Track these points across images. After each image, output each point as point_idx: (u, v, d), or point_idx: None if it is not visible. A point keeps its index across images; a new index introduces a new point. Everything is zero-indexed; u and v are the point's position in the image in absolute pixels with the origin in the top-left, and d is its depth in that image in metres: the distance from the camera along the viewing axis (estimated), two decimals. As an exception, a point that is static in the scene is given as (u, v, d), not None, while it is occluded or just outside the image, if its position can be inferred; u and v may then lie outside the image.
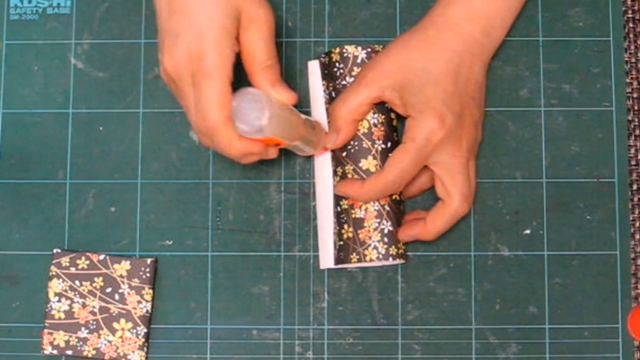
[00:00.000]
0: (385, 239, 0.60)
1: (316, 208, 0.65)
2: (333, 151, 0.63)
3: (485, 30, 0.60)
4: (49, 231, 0.66)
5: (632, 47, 0.67)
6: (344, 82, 0.62)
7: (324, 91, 0.64)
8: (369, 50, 0.62)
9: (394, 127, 0.62)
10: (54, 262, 0.65)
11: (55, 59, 0.67)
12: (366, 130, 0.61)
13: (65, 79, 0.67)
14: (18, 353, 0.65)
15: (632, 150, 0.66)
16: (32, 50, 0.68)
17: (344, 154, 0.62)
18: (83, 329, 0.64)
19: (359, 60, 0.62)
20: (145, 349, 0.64)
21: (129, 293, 0.64)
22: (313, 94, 0.65)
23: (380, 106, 0.61)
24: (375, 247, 0.60)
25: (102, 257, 0.65)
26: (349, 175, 0.61)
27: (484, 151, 0.66)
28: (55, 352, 0.64)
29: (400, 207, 0.62)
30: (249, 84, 0.56)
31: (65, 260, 0.65)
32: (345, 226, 0.62)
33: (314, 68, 0.65)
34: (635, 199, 0.66)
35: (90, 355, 0.64)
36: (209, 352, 0.65)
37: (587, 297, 0.65)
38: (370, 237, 0.60)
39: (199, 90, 0.53)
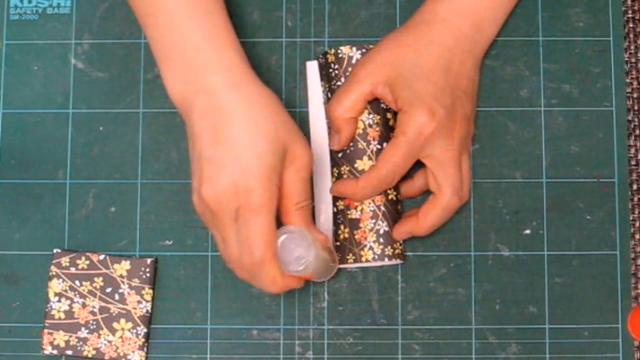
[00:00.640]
0: (381, 240, 0.60)
1: (315, 209, 0.65)
2: (330, 152, 0.63)
3: (476, 26, 0.60)
4: (49, 231, 0.66)
5: (632, 47, 0.67)
6: (339, 83, 0.62)
7: (323, 92, 0.64)
8: (364, 50, 0.62)
9: (391, 127, 0.62)
10: (54, 262, 0.65)
11: (55, 59, 0.67)
12: (361, 131, 0.61)
13: (65, 79, 0.67)
14: (18, 353, 0.65)
15: (632, 150, 0.66)
16: (32, 50, 0.68)
17: (340, 154, 0.62)
18: (83, 329, 0.64)
19: (353, 61, 0.62)
20: (145, 349, 0.64)
21: (129, 293, 0.64)
22: (311, 95, 0.65)
23: (376, 106, 0.61)
24: (371, 248, 0.60)
25: (102, 257, 0.65)
26: (345, 176, 0.61)
27: (484, 151, 0.66)
28: (55, 352, 0.64)
29: (397, 208, 0.62)
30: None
31: (65, 260, 0.65)
32: (342, 227, 0.62)
33: (312, 69, 0.65)
34: (635, 199, 0.66)
35: (90, 355, 0.64)
36: (209, 352, 0.65)
37: (587, 297, 0.65)
38: (365, 238, 0.60)
39: (245, 225, 0.52)
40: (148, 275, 0.64)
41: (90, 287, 0.64)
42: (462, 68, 0.60)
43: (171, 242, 0.66)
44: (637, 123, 0.66)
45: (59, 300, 0.64)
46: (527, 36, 0.67)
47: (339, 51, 0.62)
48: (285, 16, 0.67)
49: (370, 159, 0.61)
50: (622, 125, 0.66)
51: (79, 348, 0.64)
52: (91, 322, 0.64)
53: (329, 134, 0.63)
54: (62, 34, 0.68)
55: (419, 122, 0.58)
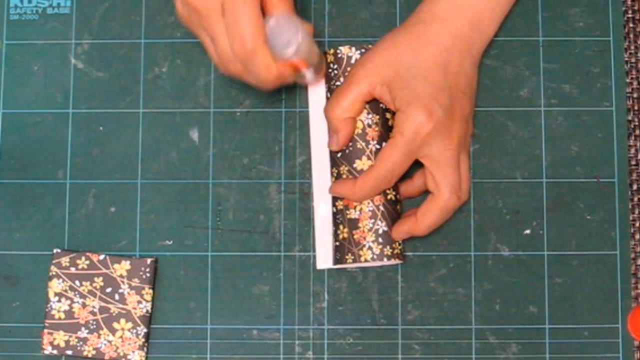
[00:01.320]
0: (380, 240, 0.60)
1: (314, 208, 0.65)
2: (329, 152, 0.63)
3: (474, 25, 0.60)
4: (49, 231, 0.66)
5: (632, 47, 0.67)
6: (337, 83, 0.62)
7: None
8: (363, 50, 0.62)
9: (390, 127, 0.62)
10: (54, 262, 0.65)
11: (55, 59, 0.67)
12: (360, 131, 0.61)
13: (65, 79, 0.67)
14: (18, 353, 0.65)
15: (632, 150, 0.66)
16: (32, 50, 0.68)
17: (339, 154, 0.62)
18: (83, 329, 0.64)
19: (352, 61, 0.62)
20: (145, 349, 0.64)
21: (129, 293, 0.64)
22: (312, 95, 0.65)
23: (375, 106, 0.61)
24: (370, 248, 0.60)
25: (102, 257, 0.65)
26: (344, 176, 0.61)
27: (484, 151, 0.66)
28: (55, 352, 0.64)
29: (396, 208, 0.62)
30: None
31: (65, 260, 0.65)
32: (341, 227, 0.62)
33: None
34: (635, 199, 0.66)
35: (90, 355, 0.64)
36: (209, 352, 0.65)
37: (587, 297, 0.65)
38: (364, 238, 0.60)
39: (233, 16, 0.54)
40: (148, 275, 0.64)
41: (90, 287, 0.64)
42: (460, 68, 0.60)
43: (171, 242, 0.66)
44: (637, 123, 0.66)
45: (59, 300, 0.64)
46: (527, 36, 0.67)
47: (338, 51, 0.62)
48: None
49: (369, 159, 0.61)
50: (622, 125, 0.66)
51: (79, 348, 0.64)
52: (91, 322, 0.64)
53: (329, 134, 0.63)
54: (62, 34, 0.68)
55: (416, 122, 0.58)
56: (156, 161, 0.66)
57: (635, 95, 0.67)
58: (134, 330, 0.64)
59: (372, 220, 0.61)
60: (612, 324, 0.65)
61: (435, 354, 0.64)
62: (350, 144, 0.61)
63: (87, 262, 0.65)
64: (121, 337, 0.64)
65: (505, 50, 0.67)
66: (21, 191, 0.66)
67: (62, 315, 0.64)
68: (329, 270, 0.65)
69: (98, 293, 0.64)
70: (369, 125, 0.61)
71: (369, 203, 0.61)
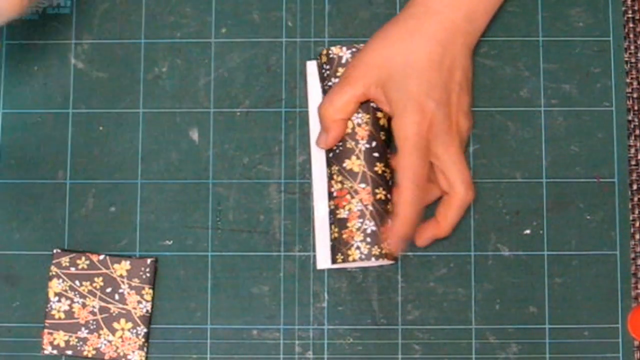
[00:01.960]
0: (368, 239, 0.60)
1: (313, 208, 0.65)
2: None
3: (468, 17, 0.59)
4: (49, 231, 0.66)
5: (632, 47, 0.67)
6: (329, 83, 0.62)
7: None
8: (354, 50, 0.62)
9: (381, 126, 0.62)
10: (54, 262, 0.65)
11: (55, 59, 0.67)
12: (350, 130, 0.61)
13: (65, 79, 0.67)
14: (18, 353, 0.65)
15: (632, 150, 0.66)
16: (32, 50, 0.68)
17: (330, 154, 0.62)
18: (83, 329, 0.64)
19: (343, 61, 0.62)
20: (145, 349, 0.64)
21: (129, 293, 0.64)
22: (311, 94, 0.66)
23: (365, 105, 0.61)
24: (358, 247, 0.60)
25: (102, 257, 0.65)
26: (335, 176, 0.61)
27: (484, 151, 0.66)
28: (55, 352, 0.64)
29: (386, 207, 0.61)
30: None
31: (65, 260, 0.65)
32: (332, 227, 0.62)
33: (312, 68, 0.65)
34: (635, 199, 0.66)
35: (90, 355, 0.64)
36: (209, 352, 0.65)
37: (587, 297, 0.65)
38: (352, 237, 0.60)
39: None
40: (148, 275, 0.64)
41: (90, 287, 0.64)
42: (455, 62, 0.59)
43: (171, 242, 0.66)
44: (637, 123, 0.66)
45: (59, 300, 0.64)
46: (527, 36, 0.67)
47: (330, 51, 0.63)
48: (285, 16, 0.67)
49: (358, 158, 0.61)
50: (622, 125, 0.66)
51: (79, 348, 0.64)
52: (91, 322, 0.64)
53: None
54: (62, 34, 0.68)
55: (414, 123, 0.57)
56: (156, 161, 0.66)
57: (635, 95, 0.67)
58: (134, 330, 0.64)
59: (361, 220, 0.60)
60: (612, 324, 0.65)
61: (435, 354, 0.64)
62: (340, 143, 0.61)
63: (87, 262, 0.65)
64: (121, 337, 0.64)
65: (505, 50, 0.67)
66: (21, 191, 0.66)
67: (62, 315, 0.64)
68: (329, 270, 0.65)
69: (98, 293, 0.64)
70: (359, 125, 0.61)
71: (357, 203, 0.60)
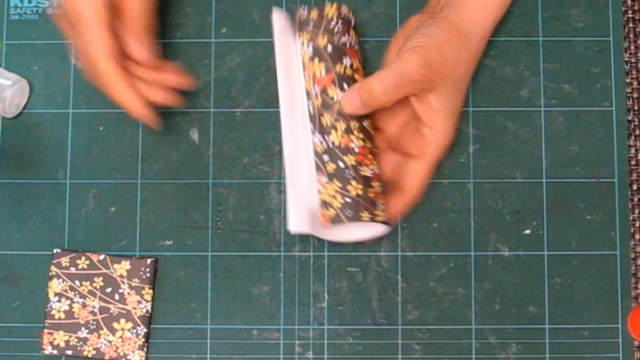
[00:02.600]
0: (383, 206, 0.61)
1: (285, 166, 0.62)
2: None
3: (495, 22, 0.63)
4: (49, 231, 0.66)
5: (632, 47, 0.67)
6: (344, 38, 0.61)
7: (303, 47, 0.62)
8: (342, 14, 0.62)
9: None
10: (54, 262, 0.65)
11: (55, 59, 0.67)
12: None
13: (65, 79, 0.67)
14: (18, 353, 0.65)
15: (632, 150, 0.66)
16: (32, 50, 0.68)
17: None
18: (83, 329, 0.64)
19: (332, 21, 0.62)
20: (145, 349, 0.64)
21: (129, 293, 0.64)
22: (280, 50, 0.63)
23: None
24: (383, 210, 0.60)
25: (102, 257, 0.65)
26: (355, 132, 0.60)
27: (484, 151, 0.66)
28: (55, 352, 0.64)
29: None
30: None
31: (65, 260, 0.65)
32: (352, 182, 0.59)
33: (279, 21, 0.63)
34: (635, 199, 0.66)
35: (90, 355, 0.64)
36: (209, 352, 0.65)
37: (587, 297, 0.65)
38: (377, 198, 0.60)
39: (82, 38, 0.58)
40: (148, 275, 0.64)
41: (90, 287, 0.64)
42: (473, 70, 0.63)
43: (171, 242, 0.66)
44: (637, 123, 0.66)
45: (59, 300, 0.64)
46: (527, 36, 0.67)
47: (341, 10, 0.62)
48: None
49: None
50: (622, 125, 0.66)
51: (79, 348, 0.64)
52: (91, 322, 0.64)
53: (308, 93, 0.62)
54: (62, 34, 0.68)
55: (446, 137, 0.61)
56: (156, 161, 0.66)
57: (635, 95, 0.67)
58: (134, 330, 0.64)
59: (381, 185, 0.60)
60: (612, 324, 0.65)
61: (435, 354, 0.64)
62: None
63: (87, 262, 0.65)
64: (121, 337, 0.64)
65: (505, 50, 0.67)
66: (21, 191, 0.66)
67: (62, 315, 0.64)
68: (329, 270, 0.65)
69: (98, 293, 0.64)
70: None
71: (377, 166, 0.60)
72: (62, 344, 0.64)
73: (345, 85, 0.60)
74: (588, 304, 0.65)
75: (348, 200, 0.59)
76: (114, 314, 0.64)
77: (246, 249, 0.66)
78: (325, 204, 0.60)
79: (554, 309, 0.65)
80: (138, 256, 0.65)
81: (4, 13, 0.68)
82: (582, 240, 0.65)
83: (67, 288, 0.64)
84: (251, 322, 0.65)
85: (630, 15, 0.67)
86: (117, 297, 0.64)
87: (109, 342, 0.64)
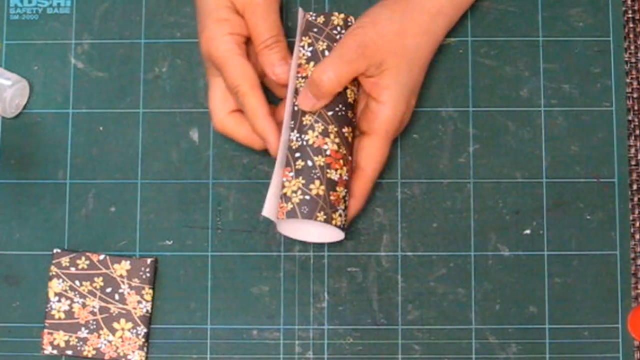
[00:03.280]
0: (344, 212, 0.60)
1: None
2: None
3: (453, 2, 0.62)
4: (49, 231, 0.66)
5: (632, 47, 0.67)
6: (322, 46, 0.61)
7: (305, 47, 0.62)
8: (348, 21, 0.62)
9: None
10: (54, 262, 0.65)
11: (55, 59, 0.67)
12: (352, 101, 0.61)
13: (65, 79, 0.67)
14: (18, 353, 0.65)
15: (632, 150, 0.66)
16: (32, 50, 0.68)
17: (330, 113, 0.59)
18: (83, 329, 0.64)
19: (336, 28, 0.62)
20: (145, 349, 0.64)
21: (129, 293, 0.64)
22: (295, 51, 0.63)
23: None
24: (340, 215, 0.59)
25: (102, 257, 0.65)
26: (331, 135, 0.60)
27: (484, 151, 0.66)
28: (55, 352, 0.64)
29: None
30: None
31: (65, 260, 0.65)
32: (316, 182, 0.59)
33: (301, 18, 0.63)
34: (635, 199, 0.66)
35: (90, 355, 0.64)
36: (209, 352, 0.65)
37: (587, 297, 0.65)
38: (339, 203, 0.59)
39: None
40: (148, 275, 0.64)
41: (90, 287, 0.64)
42: (435, 48, 0.62)
43: (171, 242, 0.66)
44: (637, 123, 0.66)
45: (59, 300, 0.64)
46: (527, 36, 0.67)
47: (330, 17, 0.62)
48: (285, 16, 0.67)
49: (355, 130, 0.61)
50: (622, 125, 0.66)
51: (79, 348, 0.64)
52: (91, 322, 0.64)
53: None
54: (62, 34, 0.68)
55: (398, 114, 0.60)
56: (156, 161, 0.66)
57: (635, 95, 0.67)
58: (134, 330, 0.64)
59: (345, 190, 0.60)
60: (612, 324, 0.65)
61: (435, 354, 0.64)
62: (343, 107, 0.60)
63: (87, 262, 0.65)
64: (121, 337, 0.64)
65: (505, 50, 0.67)
66: (21, 191, 0.66)
67: (62, 315, 0.64)
68: (329, 270, 0.65)
69: (98, 293, 0.64)
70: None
71: (346, 173, 0.60)
72: (62, 344, 0.64)
73: None
74: (588, 303, 0.65)
75: (307, 197, 0.59)
76: (114, 314, 0.64)
77: (246, 249, 0.65)
78: (285, 197, 0.60)
79: (554, 309, 0.65)
80: (138, 256, 0.65)
81: (4, 13, 0.68)
82: (582, 240, 0.65)
83: (67, 288, 0.64)
84: (251, 322, 0.65)
85: (630, 15, 0.67)
86: (117, 297, 0.64)
87: (109, 342, 0.64)
